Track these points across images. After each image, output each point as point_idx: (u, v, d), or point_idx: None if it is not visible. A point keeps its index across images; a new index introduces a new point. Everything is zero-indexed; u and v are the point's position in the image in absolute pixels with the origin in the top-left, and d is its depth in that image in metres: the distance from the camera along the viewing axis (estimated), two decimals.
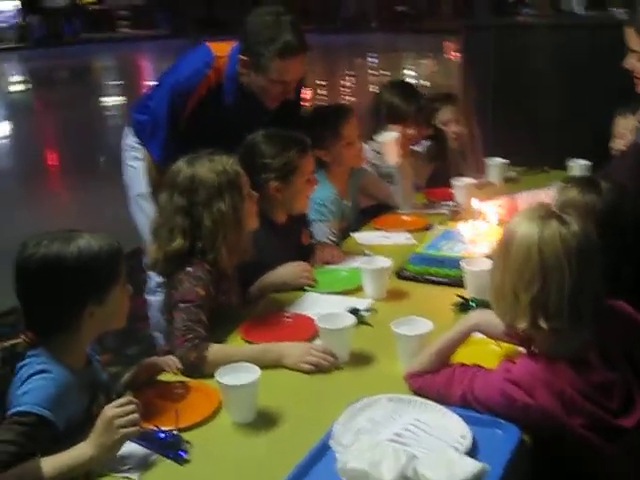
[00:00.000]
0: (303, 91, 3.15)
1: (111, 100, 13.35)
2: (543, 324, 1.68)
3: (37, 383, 1.68)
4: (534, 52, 4.17)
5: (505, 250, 1.74)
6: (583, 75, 3.96)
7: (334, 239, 3.05)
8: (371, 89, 11.79)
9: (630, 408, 1.69)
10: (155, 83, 3.08)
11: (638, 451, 1.71)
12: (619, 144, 2.88)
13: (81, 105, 12.66)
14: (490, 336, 1.95)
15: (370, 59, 18.23)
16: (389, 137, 3.29)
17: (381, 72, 15.79)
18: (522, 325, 1.71)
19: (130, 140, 3.17)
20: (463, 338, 1.92)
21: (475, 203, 2.84)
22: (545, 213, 1.72)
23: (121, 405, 1.64)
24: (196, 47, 3.00)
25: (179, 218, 2.25)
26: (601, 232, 1.76)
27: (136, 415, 1.64)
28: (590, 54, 4.01)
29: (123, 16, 24.02)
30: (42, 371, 1.70)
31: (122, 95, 13.85)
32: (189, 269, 2.20)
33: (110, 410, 1.63)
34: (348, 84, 14.59)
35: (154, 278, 2.91)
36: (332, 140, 3.10)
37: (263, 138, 2.70)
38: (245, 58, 2.79)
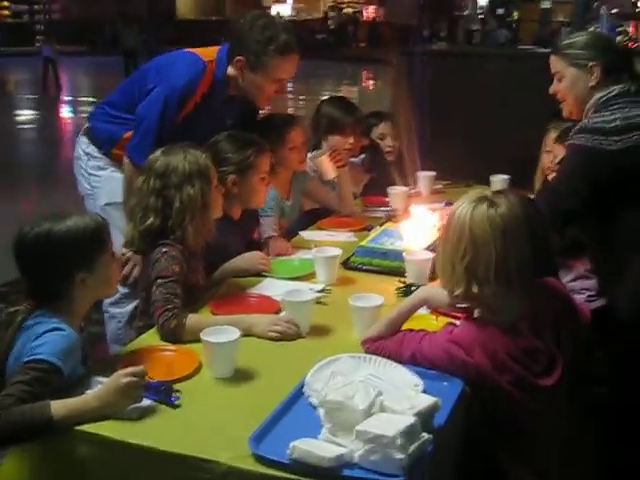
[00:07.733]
0: None
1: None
2: (475, 289, 2.01)
3: (52, 337, 1.91)
4: (463, 78, 4.58)
5: (446, 230, 2.09)
6: (505, 99, 4.36)
7: (274, 234, 3.30)
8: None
9: (551, 371, 2.02)
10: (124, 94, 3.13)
11: (554, 408, 2.04)
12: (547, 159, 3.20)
13: None
14: (437, 308, 2.27)
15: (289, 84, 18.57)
16: (319, 155, 3.59)
17: (298, 97, 16.21)
18: (459, 291, 2.04)
19: (90, 149, 3.20)
20: (413, 310, 2.24)
21: (414, 208, 3.17)
22: (478, 198, 2.05)
23: (134, 374, 1.86)
24: (178, 55, 3.07)
25: (153, 199, 2.52)
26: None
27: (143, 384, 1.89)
28: (508, 80, 4.42)
29: None
30: (56, 328, 1.94)
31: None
32: (164, 249, 2.45)
33: (126, 378, 1.84)
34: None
35: (120, 289, 3.00)
36: (277, 143, 3.33)
37: (225, 137, 2.99)
38: (241, 58, 2.94)
